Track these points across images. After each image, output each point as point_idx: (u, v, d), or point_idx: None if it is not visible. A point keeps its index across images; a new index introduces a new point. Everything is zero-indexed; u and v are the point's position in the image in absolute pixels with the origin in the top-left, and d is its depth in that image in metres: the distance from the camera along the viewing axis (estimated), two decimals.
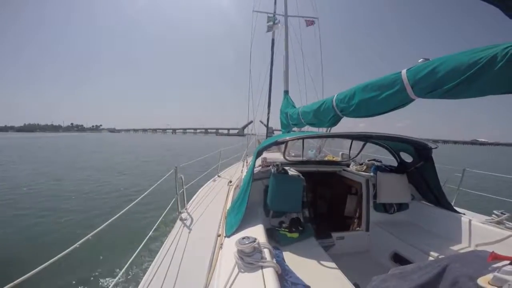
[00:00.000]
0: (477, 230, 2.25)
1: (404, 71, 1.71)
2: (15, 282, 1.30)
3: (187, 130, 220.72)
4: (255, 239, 1.54)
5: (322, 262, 1.91)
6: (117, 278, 1.74)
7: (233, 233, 2.02)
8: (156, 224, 2.56)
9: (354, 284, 1.66)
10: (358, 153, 3.90)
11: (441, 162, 3.34)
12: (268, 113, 8.33)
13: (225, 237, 2.06)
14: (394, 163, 3.30)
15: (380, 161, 3.44)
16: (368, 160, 3.54)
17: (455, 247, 2.23)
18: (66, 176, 12.42)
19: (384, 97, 1.87)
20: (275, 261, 1.49)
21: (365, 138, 3.41)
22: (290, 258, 1.87)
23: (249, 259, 1.44)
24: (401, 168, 3.14)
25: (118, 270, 4.18)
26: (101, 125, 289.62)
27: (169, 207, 2.73)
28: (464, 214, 2.54)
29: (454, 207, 2.72)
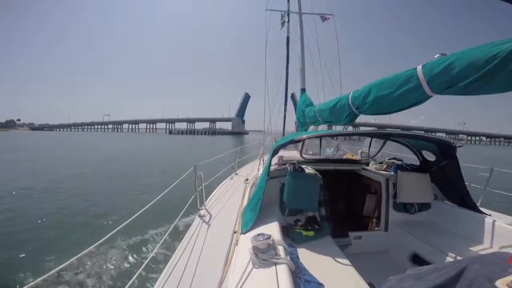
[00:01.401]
0: (502, 231, 2.15)
1: (419, 67, 1.67)
2: (35, 281, 1.40)
3: (139, 125, 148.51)
4: (270, 236, 1.58)
5: (337, 261, 1.91)
6: (139, 270, 1.86)
7: (248, 230, 2.08)
8: (176, 220, 2.68)
9: (369, 284, 1.65)
10: (378, 152, 3.82)
11: (469, 161, 3.20)
12: (285, 111, 8.34)
13: (241, 233, 2.13)
14: (415, 161, 3.20)
15: (401, 160, 3.35)
16: (389, 159, 3.45)
17: (478, 249, 2.15)
18: None
19: (400, 94, 1.83)
20: (289, 258, 1.52)
21: (385, 136, 3.34)
22: (305, 256, 1.89)
23: (263, 255, 1.48)
24: (424, 167, 3.05)
25: (140, 261, 4.47)
26: (18, 120, 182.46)
27: (188, 203, 2.85)
28: (489, 215, 2.43)
29: (480, 208, 2.61)
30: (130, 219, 1.96)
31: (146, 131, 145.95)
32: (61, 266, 1.52)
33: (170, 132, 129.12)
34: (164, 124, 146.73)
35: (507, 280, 0.88)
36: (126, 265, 4.50)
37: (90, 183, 11.15)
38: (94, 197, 8.91)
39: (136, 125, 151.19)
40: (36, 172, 13.55)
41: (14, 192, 9.11)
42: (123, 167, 15.72)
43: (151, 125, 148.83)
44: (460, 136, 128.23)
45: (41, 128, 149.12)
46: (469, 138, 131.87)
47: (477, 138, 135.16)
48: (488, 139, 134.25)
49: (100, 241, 1.71)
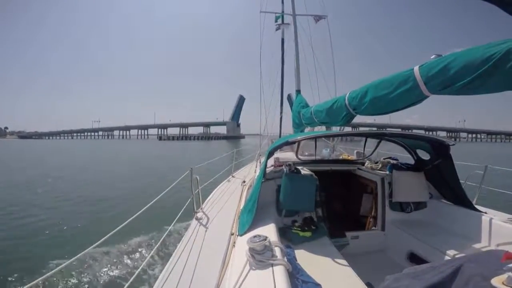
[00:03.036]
0: (498, 229, 2.21)
1: (416, 68, 1.73)
2: (33, 282, 1.41)
3: (131, 131, 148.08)
4: (266, 237, 1.61)
5: (334, 261, 1.95)
6: (136, 272, 1.88)
7: (245, 232, 2.11)
8: (173, 223, 2.71)
9: (367, 284, 1.68)
10: (373, 151, 3.89)
11: (463, 159, 3.30)
12: (281, 112, 8.44)
13: (238, 235, 2.16)
14: (411, 161, 3.27)
15: (396, 159, 3.42)
16: (384, 159, 3.52)
17: (474, 247, 2.20)
18: None
19: (397, 94, 1.88)
20: (286, 259, 1.54)
21: (380, 136, 3.41)
22: (302, 257, 1.92)
23: (260, 257, 1.50)
24: (419, 166, 3.11)
25: (137, 265, 4.49)
26: (5, 128, 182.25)
27: (185, 206, 2.88)
28: (485, 213, 2.50)
29: (476, 206, 2.67)
30: (125, 222, 1.98)
31: (137, 137, 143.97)
32: (58, 268, 1.52)
33: (160, 138, 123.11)
34: (156, 130, 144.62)
35: (502, 278, 0.92)
36: (123, 268, 4.51)
37: (84, 187, 11.16)
38: (90, 201, 8.94)
39: (127, 132, 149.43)
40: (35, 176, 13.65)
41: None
42: (118, 173, 15.74)
43: (143, 131, 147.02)
44: (462, 134, 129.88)
45: (29, 136, 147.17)
46: (469, 135, 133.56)
47: (478, 135, 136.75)
48: (489, 136, 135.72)
49: (96, 244, 1.72)
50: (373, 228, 3.07)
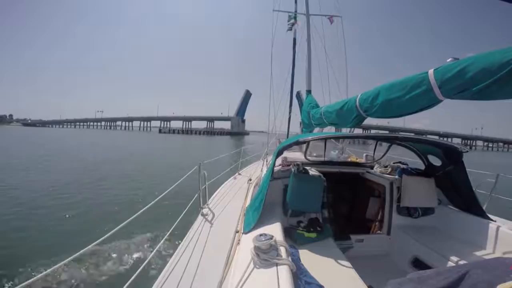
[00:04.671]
0: (505, 237, 2.23)
1: (431, 71, 1.73)
2: (30, 280, 1.46)
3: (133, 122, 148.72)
4: (272, 236, 1.64)
5: (338, 263, 1.98)
6: (141, 267, 1.93)
7: (250, 230, 2.15)
8: (179, 218, 2.77)
9: (369, 287, 1.71)
10: (383, 155, 3.89)
11: (473, 166, 3.29)
12: (290, 112, 8.43)
13: (243, 233, 2.20)
14: (421, 166, 3.28)
15: (406, 164, 3.43)
16: (394, 163, 3.53)
17: (480, 254, 2.23)
18: None
19: (410, 97, 1.89)
20: (290, 260, 1.57)
21: (391, 139, 3.43)
22: (306, 258, 1.95)
23: (265, 256, 1.54)
24: (429, 171, 3.13)
25: (142, 259, 4.59)
26: (10, 115, 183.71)
27: (191, 202, 2.93)
28: (494, 221, 2.51)
29: (486, 214, 2.68)
30: (132, 217, 2.04)
31: (139, 129, 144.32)
32: (60, 264, 1.58)
33: (160, 131, 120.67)
34: (159, 122, 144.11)
35: (509, 285, 0.92)
36: (128, 262, 4.63)
37: (91, 180, 11.18)
38: (95, 195, 8.99)
39: (130, 123, 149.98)
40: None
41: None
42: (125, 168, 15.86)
43: (146, 123, 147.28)
44: (478, 142, 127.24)
45: (33, 124, 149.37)
46: (485, 144, 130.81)
47: (493, 144, 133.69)
48: (505, 145, 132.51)
49: (101, 239, 1.78)
50: (378, 232, 3.11)
